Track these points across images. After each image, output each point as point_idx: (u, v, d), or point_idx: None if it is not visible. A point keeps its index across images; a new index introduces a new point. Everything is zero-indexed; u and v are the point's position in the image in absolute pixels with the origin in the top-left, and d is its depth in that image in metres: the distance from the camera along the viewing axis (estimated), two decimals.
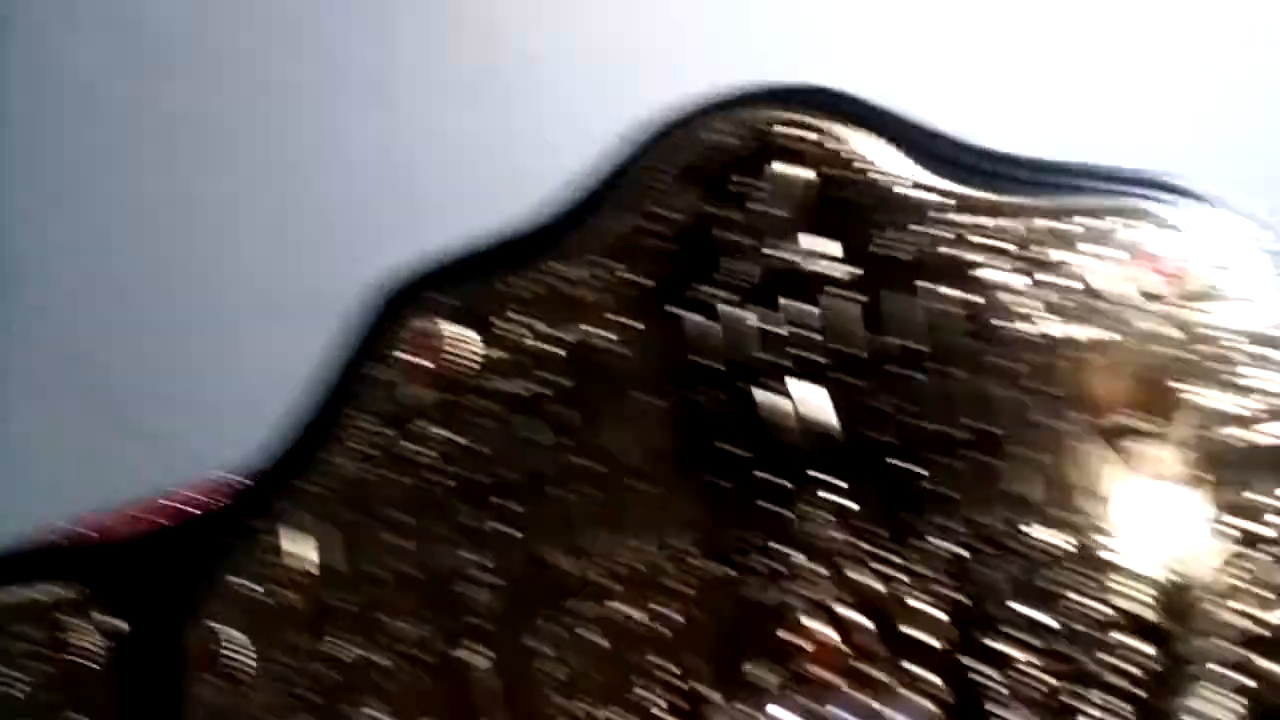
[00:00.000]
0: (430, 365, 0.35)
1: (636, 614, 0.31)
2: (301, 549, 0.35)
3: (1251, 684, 0.28)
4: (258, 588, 0.35)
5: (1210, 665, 0.28)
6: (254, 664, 0.35)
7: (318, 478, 0.35)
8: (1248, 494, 0.29)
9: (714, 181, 0.33)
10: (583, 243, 0.35)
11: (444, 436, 0.34)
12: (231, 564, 0.36)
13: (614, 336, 0.33)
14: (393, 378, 0.35)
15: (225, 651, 0.35)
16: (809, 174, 0.33)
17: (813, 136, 0.33)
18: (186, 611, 0.37)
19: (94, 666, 0.37)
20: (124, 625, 0.37)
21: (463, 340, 0.35)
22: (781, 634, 0.31)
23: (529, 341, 0.34)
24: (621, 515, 0.33)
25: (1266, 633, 0.28)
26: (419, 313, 0.36)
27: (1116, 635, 0.29)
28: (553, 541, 0.33)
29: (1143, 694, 0.28)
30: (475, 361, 0.35)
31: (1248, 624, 0.28)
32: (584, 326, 0.33)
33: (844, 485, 0.31)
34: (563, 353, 0.33)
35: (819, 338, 0.32)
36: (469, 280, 0.36)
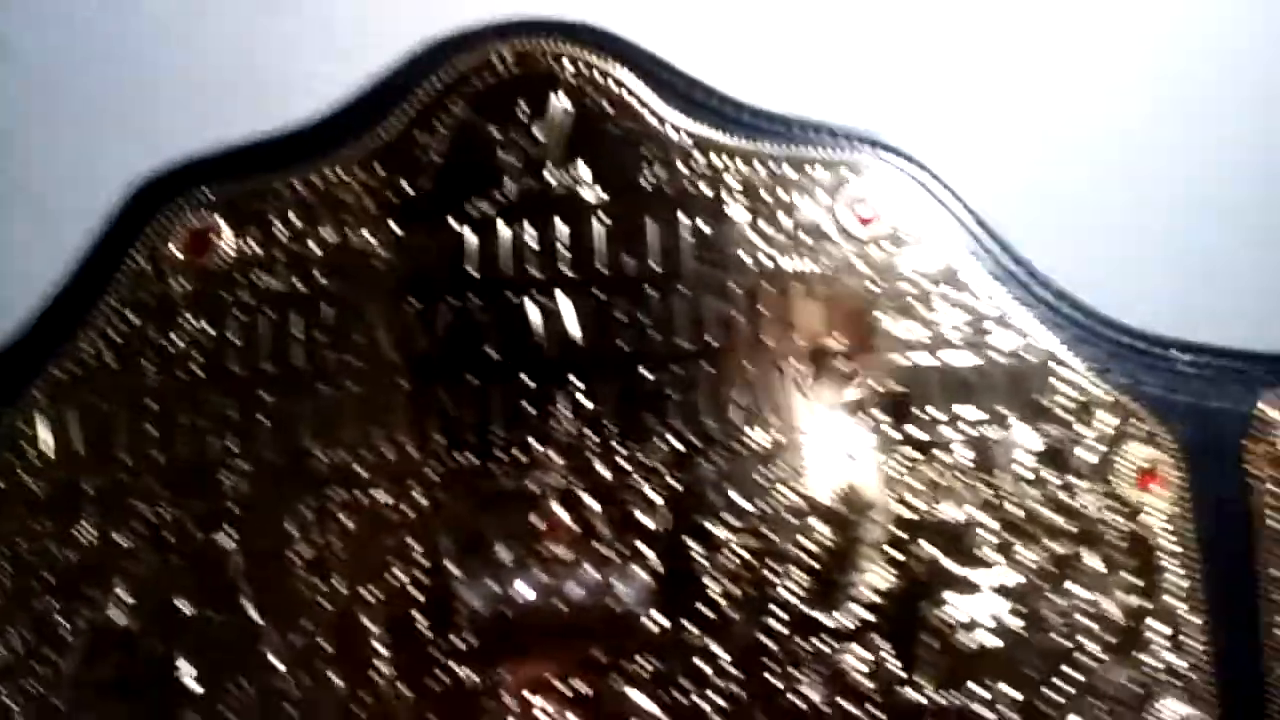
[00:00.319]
0: (191, 258, 0.36)
1: (390, 500, 0.34)
2: (44, 433, 0.35)
3: (903, 559, 0.34)
4: None
5: (874, 545, 0.34)
6: None
7: (68, 363, 0.35)
8: (927, 408, 0.34)
9: (487, 103, 0.36)
10: (356, 149, 0.36)
11: (201, 329, 0.35)
12: None
13: (376, 241, 0.35)
14: (151, 269, 0.36)
15: None
16: (575, 105, 0.36)
17: (585, 72, 0.36)
18: None
19: None
20: None
21: (226, 235, 0.36)
22: (526, 517, 0.34)
23: (291, 241, 0.36)
24: (377, 410, 0.35)
25: (918, 518, 0.34)
26: (184, 206, 0.36)
27: (806, 520, 0.34)
28: (310, 433, 0.35)
29: (821, 569, 0.34)
30: (237, 257, 0.36)
31: (905, 511, 0.34)
32: (349, 230, 0.35)
33: (584, 387, 0.34)
34: (323, 253, 0.35)
35: (569, 255, 0.35)
36: (238, 177, 0.37)
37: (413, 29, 0.37)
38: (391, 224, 0.36)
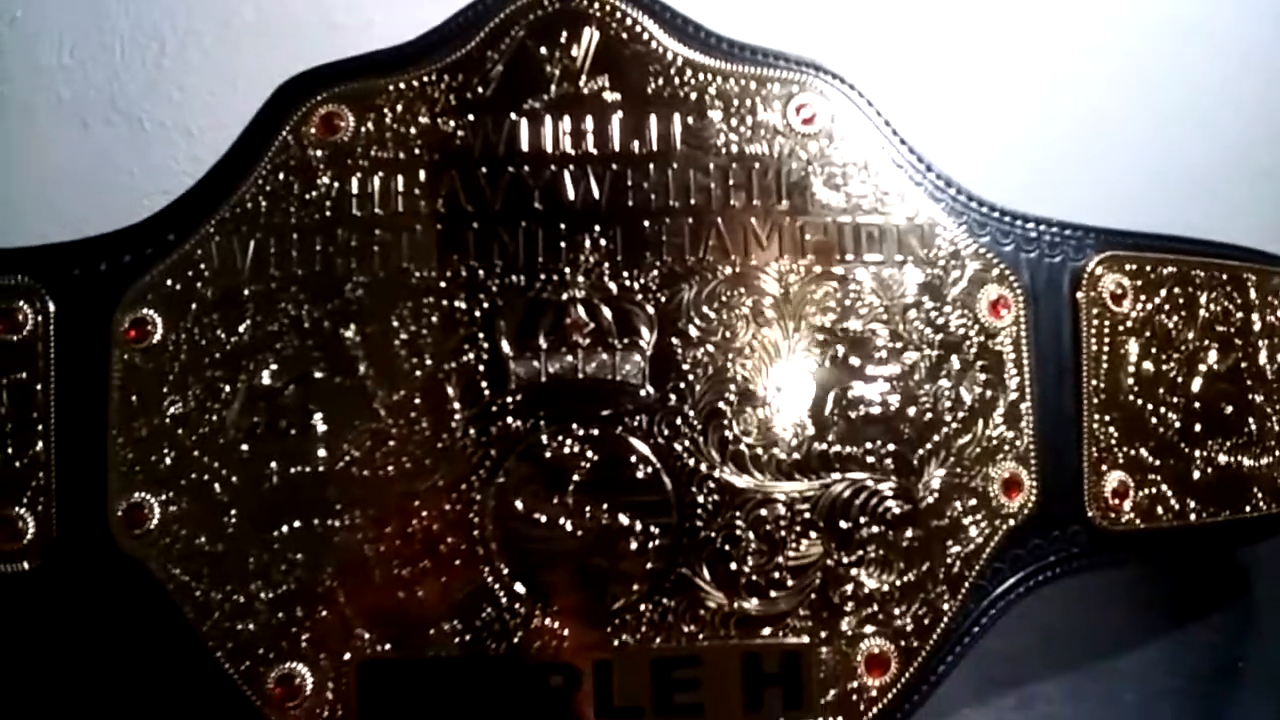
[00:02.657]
0: (323, 136, 0.51)
1: (463, 305, 0.48)
2: (214, 253, 0.49)
3: (819, 355, 0.49)
4: (172, 282, 0.49)
5: (801, 346, 0.49)
6: (167, 335, 0.49)
7: (232, 207, 0.49)
8: (846, 255, 0.50)
9: (538, 31, 0.51)
10: (442, 61, 0.51)
11: (329, 184, 0.50)
12: (154, 263, 0.50)
13: (455, 124, 0.50)
14: (295, 143, 0.50)
15: (147, 327, 0.49)
16: (601, 34, 0.51)
17: (609, 11, 0.51)
18: (113, 299, 0.49)
19: (30, 337, 0.49)
20: (53, 307, 0.49)
21: (349, 119, 0.50)
22: (559, 317, 0.49)
23: (394, 123, 0.50)
24: (456, 244, 0.49)
25: (830, 327, 0.49)
26: (319, 99, 0.51)
27: (754, 325, 0.49)
28: (407, 257, 0.49)
29: (766, 359, 0.49)
30: (356, 135, 0.50)
31: (823, 321, 0.49)
32: (438, 118, 0.50)
33: (601, 230, 0.49)
34: (418, 133, 0.50)
35: (594, 139, 0.50)
36: (359, 79, 0.51)
37: None
38: (469, 115, 0.51)
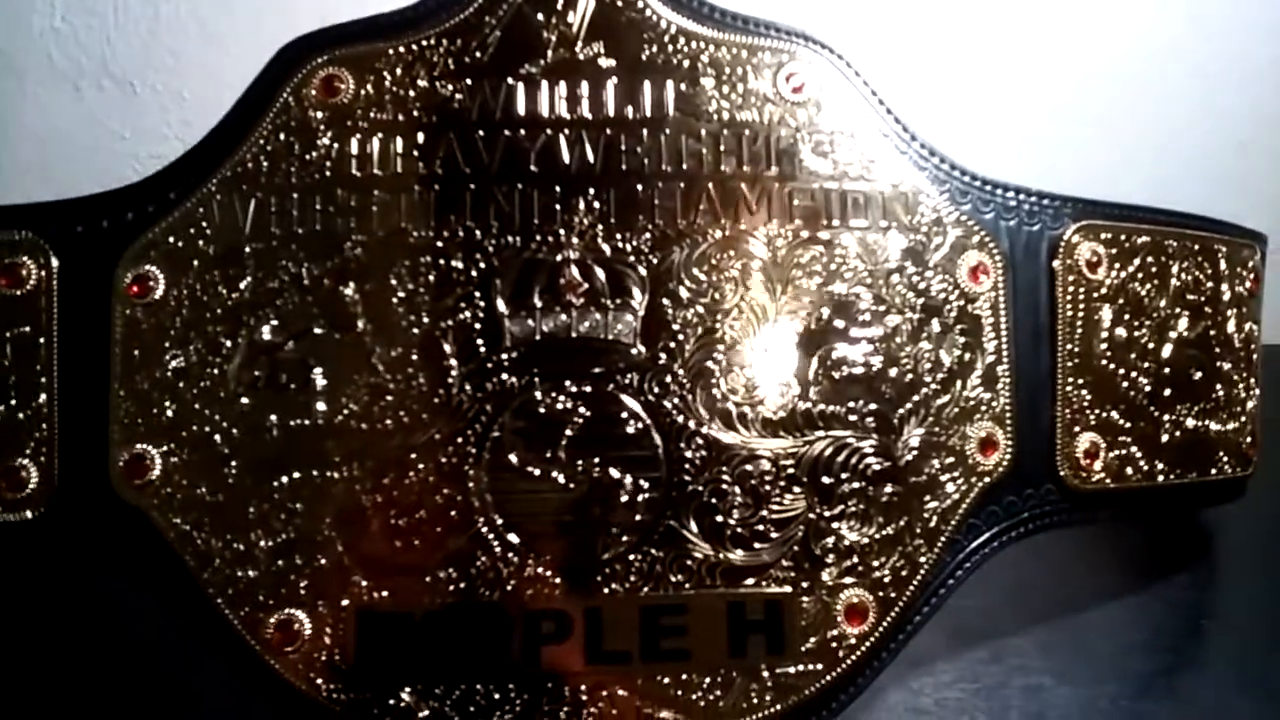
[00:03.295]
0: (323, 97, 0.52)
1: (459, 265, 0.50)
2: (215, 212, 0.50)
3: (804, 315, 0.50)
4: (174, 240, 0.50)
5: (787, 309, 0.50)
6: (169, 290, 0.50)
7: (233, 166, 0.50)
8: (832, 220, 0.51)
9: None
10: (441, 26, 0.52)
11: (329, 145, 0.51)
12: (156, 220, 0.51)
13: (453, 88, 0.51)
14: (295, 104, 0.51)
15: (149, 283, 0.50)
16: (594, 1, 0.52)
17: None
18: (116, 255, 0.51)
19: (34, 292, 0.50)
20: (56, 262, 0.51)
21: (349, 81, 0.51)
22: (553, 277, 0.50)
23: (394, 86, 0.51)
24: (452, 204, 0.51)
25: (815, 290, 0.51)
26: (320, 61, 0.52)
27: (741, 289, 0.50)
28: (405, 218, 0.51)
29: (754, 318, 0.50)
30: (355, 97, 0.51)
31: (809, 284, 0.51)
32: (436, 82, 0.51)
33: (595, 193, 0.51)
34: (416, 96, 0.51)
35: (589, 104, 0.52)
36: (359, 43, 0.52)
37: None
38: (467, 79, 0.52)
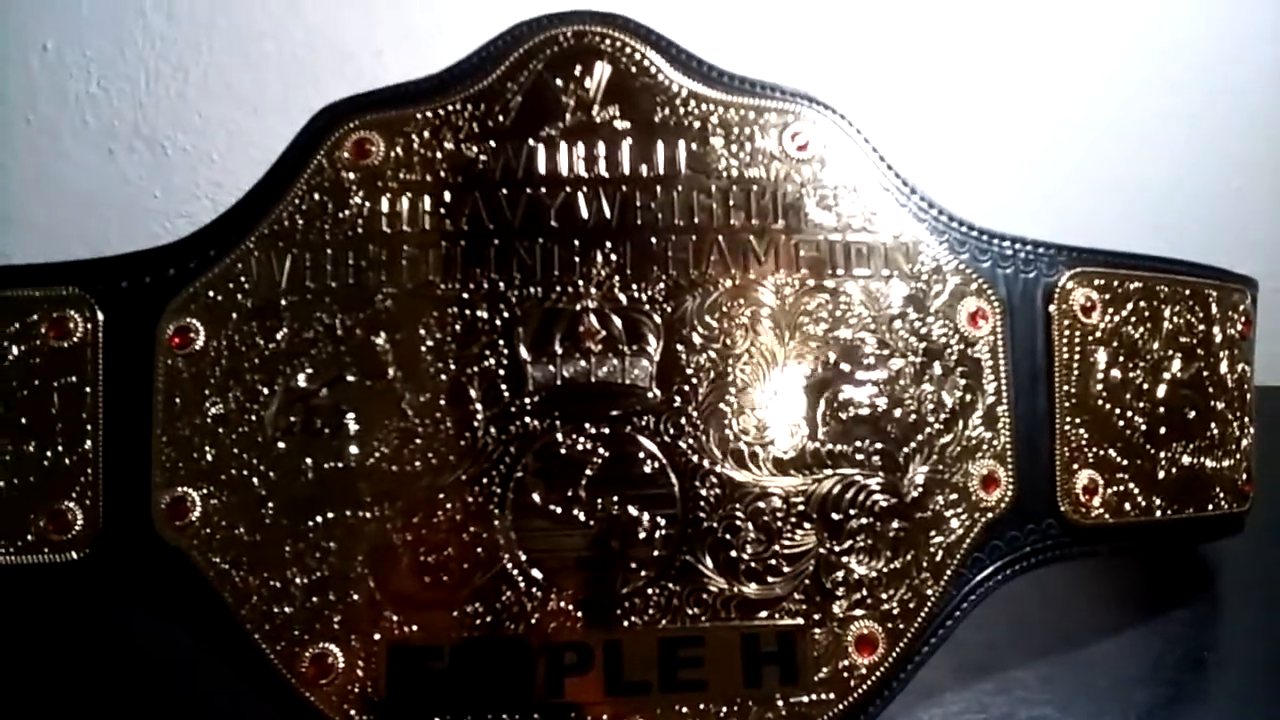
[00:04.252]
0: (355, 159, 0.55)
1: (484, 315, 0.52)
2: (253, 267, 0.54)
3: (811, 360, 0.53)
4: (214, 294, 0.53)
5: (794, 353, 0.53)
6: (209, 341, 0.53)
7: (270, 224, 0.53)
8: (837, 269, 0.54)
9: (554, 64, 0.55)
10: (466, 92, 0.55)
11: (360, 204, 0.54)
12: (196, 275, 0.54)
13: (478, 150, 0.54)
14: (329, 166, 0.55)
15: (190, 335, 0.53)
16: (613, 67, 0.56)
17: (620, 46, 0.56)
18: (158, 308, 0.54)
19: (80, 344, 0.53)
20: (101, 316, 0.54)
21: (379, 144, 0.55)
22: (573, 325, 0.53)
23: (421, 148, 0.54)
24: (476, 259, 0.54)
25: (822, 335, 0.53)
26: (351, 126, 0.55)
27: (750, 334, 0.53)
28: (432, 271, 0.53)
29: (763, 363, 0.53)
30: (386, 159, 0.55)
31: (816, 330, 0.54)
32: (461, 144, 0.54)
33: (612, 246, 0.53)
34: (443, 157, 0.54)
35: (605, 163, 0.55)
36: (388, 108, 0.55)
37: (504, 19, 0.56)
38: (490, 141, 0.55)
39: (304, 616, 0.50)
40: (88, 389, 0.53)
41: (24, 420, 0.52)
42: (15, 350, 0.53)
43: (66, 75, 0.91)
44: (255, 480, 0.51)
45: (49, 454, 0.52)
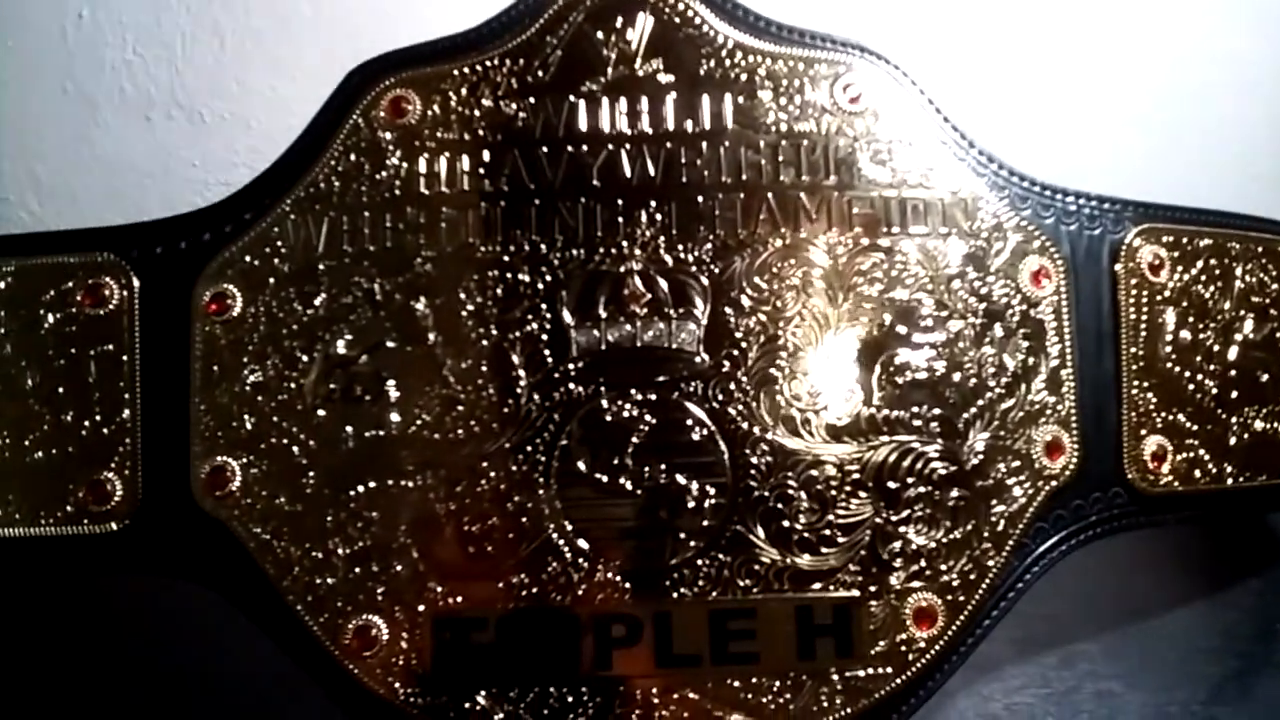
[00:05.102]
0: (392, 118, 0.53)
1: (526, 278, 0.51)
2: (314, 230, 0.52)
3: (866, 323, 0.51)
4: (250, 259, 0.52)
5: (848, 315, 0.51)
6: (246, 308, 0.52)
7: (306, 187, 0.52)
8: (892, 227, 0.52)
9: (596, 17, 0.53)
10: (504, 47, 0.53)
11: (397, 165, 0.52)
12: (232, 240, 0.52)
13: (517, 107, 0.52)
14: (365, 125, 0.53)
15: (227, 301, 0.52)
16: (656, 19, 0.53)
17: None
18: (194, 274, 0.52)
19: (116, 311, 0.52)
20: (137, 282, 0.52)
21: (416, 103, 0.53)
22: (617, 288, 0.51)
23: (459, 106, 0.53)
24: (519, 219, 0.52)
25: (877, 296, 0.51)
26: (388, 83, 0.53)
27: (802, 295, 0.51)
28: (473, 233, 0.52)
29: (816, 326, 0.51)
30: (423, 117, 0.53)
31: (870, 291, 0.52)
32: (500, 101, 0.52)
33: (657, 205, 0.51)
34: (481, 115, 0.52)
35: (649, 119, 0.53)
36: (425, 64, 0.54)
37: None
38: (530, 98, 0.53)
39: (346, 588, 0.49)
40: (124, 357, 0.52)
41: (61, 389, 0.51)
42: (51, 318, 0.52)
43: (103, 43, 0.90)
44: (295, 449, 0.50)
45: (86, 424, 0.51)
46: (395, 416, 0.50)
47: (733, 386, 0.50)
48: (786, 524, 0.49)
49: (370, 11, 0.86)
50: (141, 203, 0.93)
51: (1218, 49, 0.86)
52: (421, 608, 0.49)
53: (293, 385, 0.51)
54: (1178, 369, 0.54)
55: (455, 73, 0.53)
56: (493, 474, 0.49)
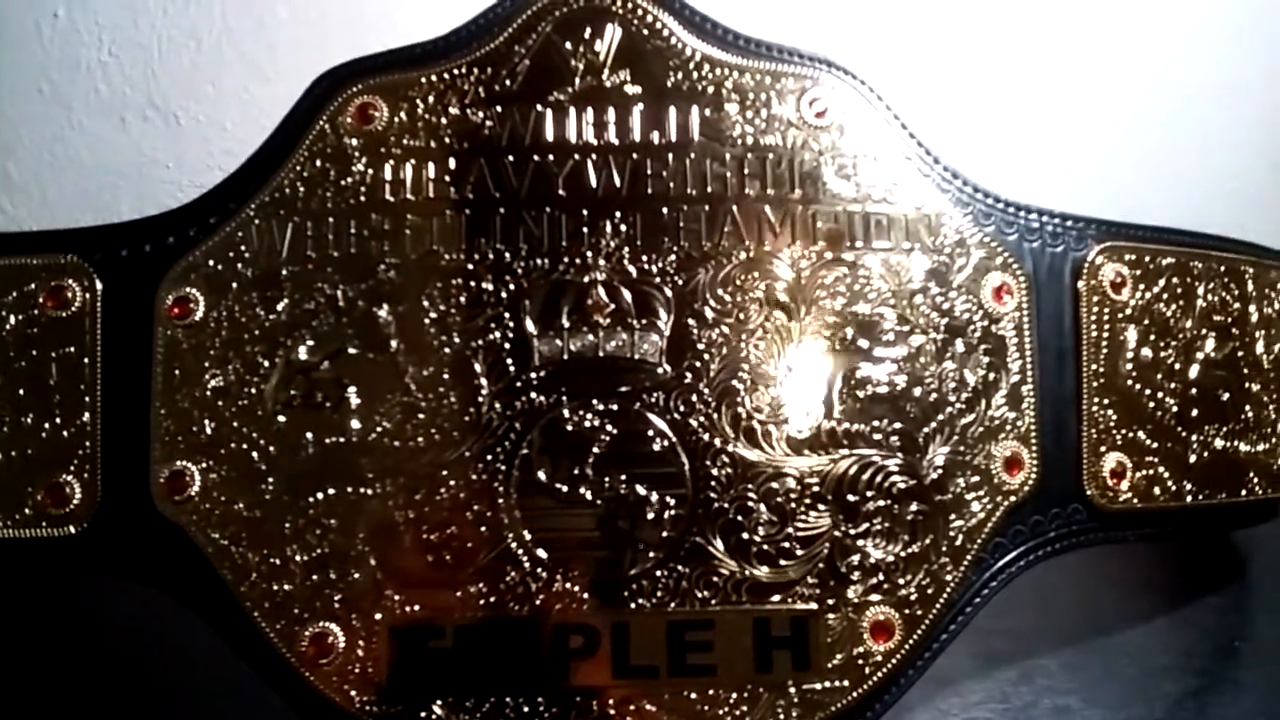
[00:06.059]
0: (358, 125, 0.53)
1: (489, 287, 0.51)
2: (253, 236, 0.52)
3: (829, 336, 0.51)
4: (213, 263, 0.51)
5: (811, 330, 0.51)
6: (209, 312, 0.51)
7: (271, 192, 0.52)
8: (856, 241, 0.52)
9: (564, 27, 0.53)
10: (472, 55, 0.53)
11: (363, 171, 0.52)
12: (196, 244, 0.52)
13: (483, 115, 0.52)
14: (331, 131, 0.53)
15: (189, 305, 0.52)
16: (624, 30, 0.53)
17: (631, 8, 0.53)
18: (157, 277, 0.52)
19: (78, 314, 0.52)
20: (100, 285, 0.52)
21: (383, 110, 0.53)
22: (581, 299, 0.51)
23: (426, 114, 0.53)
24: (481, 228, 0.52)
25: (840, 310, 0.51)
26: (355, 90, 0.53)
27: (766, 310, 0.51)
28: (437, 240, 0.52)
29: (777, 339, 0.51)
30: (389, 124, 0.53)
31: (833, 304, 0.52)
32: (467, 109, 0.52)
33: (622, 216, 0.52)
34: (448, 123, 0.52)
35: (616, 130, 0.53)
36: (393, 71, 0.54)
37: None
38: (497, 106, 0.53)
39: (304, 595, 0.49)
40: (86, 360, 0.52)
41: (21, 391, 0.51)
42: (13, 319, 0.52)
43: (79, 43, 0.90)
44: (255, 455, 0.50)
45: (46, 426, 0.51)
46: (356, 423, 0.50)
47: (694, 398, 0.50)
48: (746, 536, 0.49)
49: (345, 16, 0.86)
50: (115, 204, 0.93)
51: (1186, 71, 0.87)
52: (379, 616, 0.49)
53: (254, 391, 0.50)
54: (1138, 386, 0.54)
55: (423, 80, 0.53)
56: (453, 482, 0.49)
